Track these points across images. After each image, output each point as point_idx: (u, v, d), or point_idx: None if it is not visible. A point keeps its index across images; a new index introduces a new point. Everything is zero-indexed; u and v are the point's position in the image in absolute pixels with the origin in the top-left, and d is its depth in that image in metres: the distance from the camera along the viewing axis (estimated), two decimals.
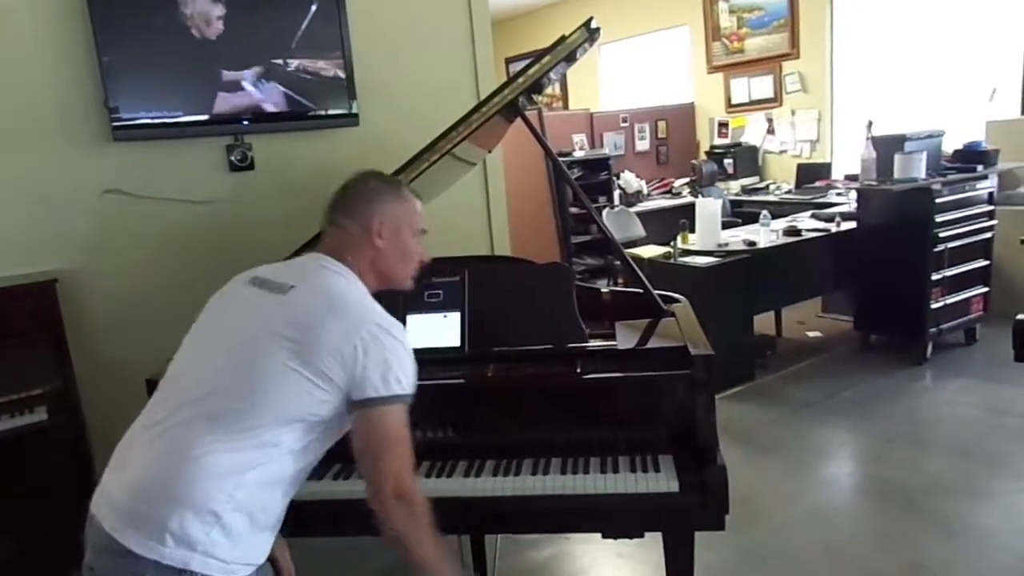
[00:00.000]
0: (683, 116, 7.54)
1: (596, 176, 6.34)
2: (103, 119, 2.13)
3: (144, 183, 2.26)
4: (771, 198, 6.25)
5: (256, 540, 1.25)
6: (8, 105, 2.06)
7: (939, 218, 4.03)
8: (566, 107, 8.83)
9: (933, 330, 4.14)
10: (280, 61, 2.29)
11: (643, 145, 7.40)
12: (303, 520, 1.56)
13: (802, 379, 4.17)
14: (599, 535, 1.62)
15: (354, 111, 2.42)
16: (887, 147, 4.22)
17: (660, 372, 1.58)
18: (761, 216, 4.47)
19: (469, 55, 2.72)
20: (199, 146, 2.31)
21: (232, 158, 2.34)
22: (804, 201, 5.82)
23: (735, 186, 6.73)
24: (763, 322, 4.64)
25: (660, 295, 1.92)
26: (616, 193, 6.54)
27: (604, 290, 2.05)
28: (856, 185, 4.63)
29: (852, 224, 4.48)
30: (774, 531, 2.66)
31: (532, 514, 1.56)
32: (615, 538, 1.62)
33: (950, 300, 4.16)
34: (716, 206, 4.38)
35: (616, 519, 1.54)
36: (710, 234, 4.22)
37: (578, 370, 1.61)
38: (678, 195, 6.97)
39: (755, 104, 6.95)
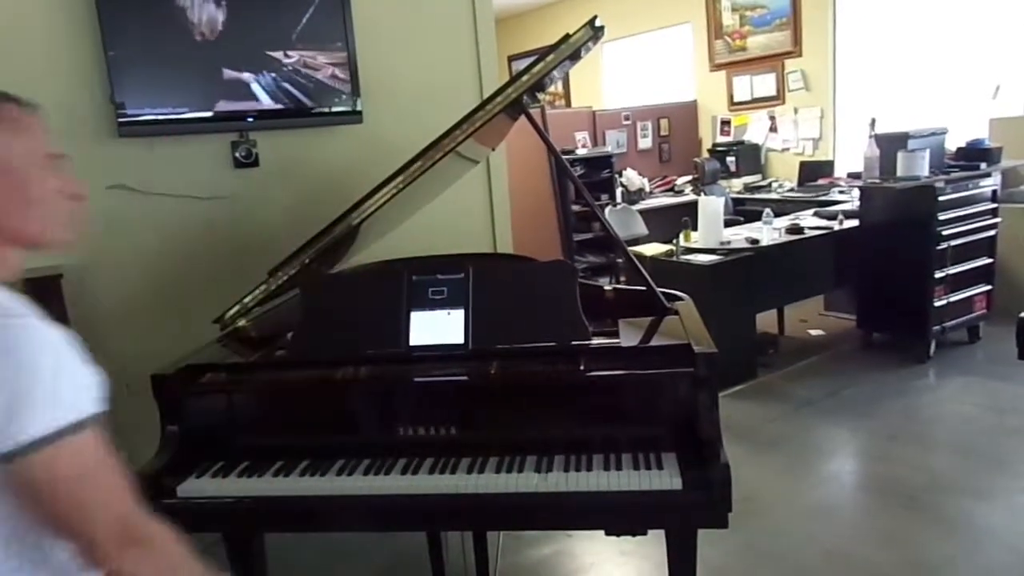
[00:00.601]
0: (685, 114, 7.53)
1: (598, 174, 6.33)
2: (109, 115, 2.14)
3: (149, 179, 2.26)
4: (773, 196, 6.25)
5: None
6: None
7: (942, 216, 4.02)
8: (568, 105, 8.82)
9: (936, 328, 4.14)
10: (280, 53, 2.29)
11: (645, 143, 7.39)
12: (305, 517, 1.57)
13: (804, 377, 4.17)
14: (602, 532, 1.63)
15: (358, 108, 2.43)
16: (890, 145, 4.22)
17: (663, 370, 1.58)
18: (763, 214, 4.47)
19: (473, 53, 2.72)
20: (204, 142, 2.32)
21: (237, 155, 2.35)
22: (806, 199, 5.81)
23: (737, 184, 6.72)
24: (765, 320, 4.63)
25: (663, 292, 1.92)
26: (618, 191, 6.53)
27: (607, 288, 2.05)
28: (859, 183, 4.62)
29: (855, 222, 4.47)
30: (776, 528, 2.66)
31: (535, 511, 1.56)
32: (618, 535, 1.62)
33: (953, 298, 4.16)
34: (718, 204, 4.38)
35: (619, 516, 1.54)
36: (712, 232, 4.22)
37: (581, 367, 1.61)
38: (680, 193, 6.96)
39: (757, 102, 6.94)
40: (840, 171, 6.21)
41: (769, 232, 4.31)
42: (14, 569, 0.90)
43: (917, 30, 5.74)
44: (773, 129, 6.86)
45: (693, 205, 5.06)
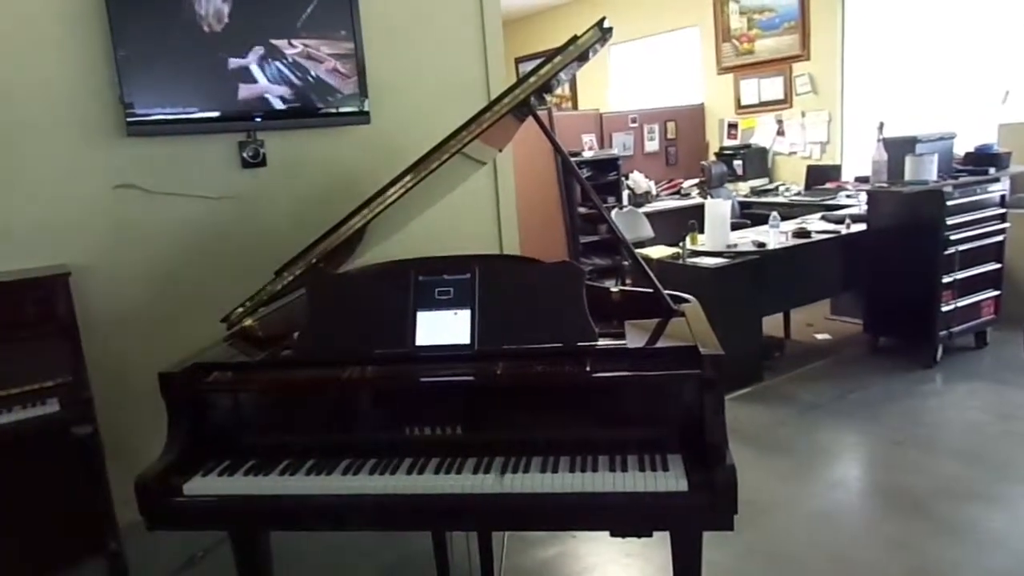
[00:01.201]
0: (692, 117, 7.53)
1: (605, 176, 6.33)
2: (118, 114, 2.15)
3: (157, 178, 2.27)
4: (780, 200, 6.24)
5: None
6: (23, 99, 2.07)
7: (950, 221, 4.01)
8: (575, 107, 8.83)
9: (943, 333, 4.12)
10: (284, 42, 2.29)
11: (652, 146, 7.39)
12: (310, 516, 1.58)
13: (810, 381, 4.16)
14: (606, 534, 1.62)
15: (365, 109, 2.44)
16: (898, 149, 4.20)
17: (670, 371, 1.58)
18: (770, 217, 4.46)
19: (480, 55, 2.73)
20: (212, 142, 2.33)
21: (245, 154, 2.36)
22: (814, 203, 5.80)
23: (744, 187, 6.72)
24: (772, 324, 4.62)
25: (670, 295, 1.92)
26: (625, 193, 6.54)
27: (614, 289, 2.05)
28: (866, 187, 4.61)
29: (862, 226, 4.46)
30: (781, 532, 2.66)
31: (540, 512, 1.55)
32: (623, 537, 1.62)
33: (961, 303, 4.14)
34: (725, 207, 4.38)
35: (624, 518, 1.53)
36: (719, 235, 4.21)
37: (587, 369, 1.61)
38: (687, 196, 6.96)
39: (765, 105, 6.93)
40: (847, 175, 6.20)
41: (776, 236, 4.30)
42: None
43: (926, 34, 5.73)
44: (780, 133, 6.86)
45: (699, 208, 5.05)
